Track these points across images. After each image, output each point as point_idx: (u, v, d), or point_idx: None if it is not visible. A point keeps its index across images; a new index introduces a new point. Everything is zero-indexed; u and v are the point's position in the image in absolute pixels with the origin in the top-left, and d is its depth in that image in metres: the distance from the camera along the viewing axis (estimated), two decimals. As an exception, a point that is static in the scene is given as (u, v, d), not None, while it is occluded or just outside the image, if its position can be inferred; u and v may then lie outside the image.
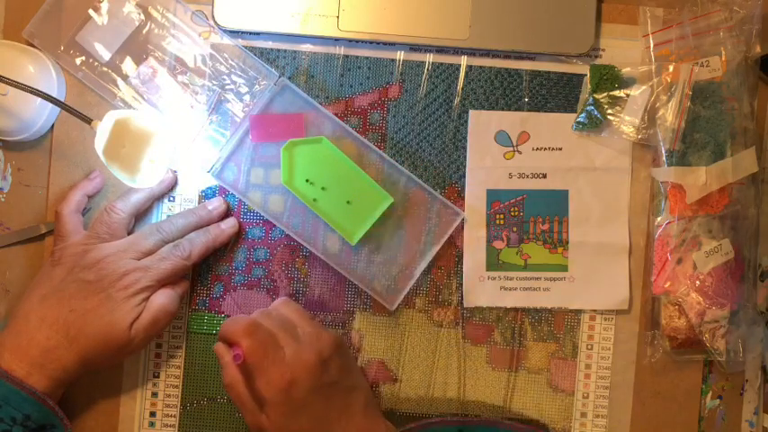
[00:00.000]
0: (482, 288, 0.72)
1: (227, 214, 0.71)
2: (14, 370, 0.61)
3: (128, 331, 0.64)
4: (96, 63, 0.70)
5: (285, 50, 0.72)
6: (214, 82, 0.71)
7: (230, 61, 0.71)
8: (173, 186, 0.71)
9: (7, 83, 0.63)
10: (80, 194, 0.69)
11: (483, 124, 0.72)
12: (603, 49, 0.73)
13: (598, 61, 0.73)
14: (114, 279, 0.64)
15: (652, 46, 0.71)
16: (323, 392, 0.62)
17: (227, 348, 0.63)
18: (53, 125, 0.71)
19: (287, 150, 0.70)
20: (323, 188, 0.70)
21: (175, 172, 0.71)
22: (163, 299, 0.66)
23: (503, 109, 0.73)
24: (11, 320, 0.64)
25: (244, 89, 0.71)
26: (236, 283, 0.72)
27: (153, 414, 0.72)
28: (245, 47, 0.71)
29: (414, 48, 0.72)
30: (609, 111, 0.71)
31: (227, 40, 0.71)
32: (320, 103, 0.71)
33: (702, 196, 0.69)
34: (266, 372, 0.61)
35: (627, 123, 0.71)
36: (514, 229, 0.73)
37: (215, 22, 0.70)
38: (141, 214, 0.70)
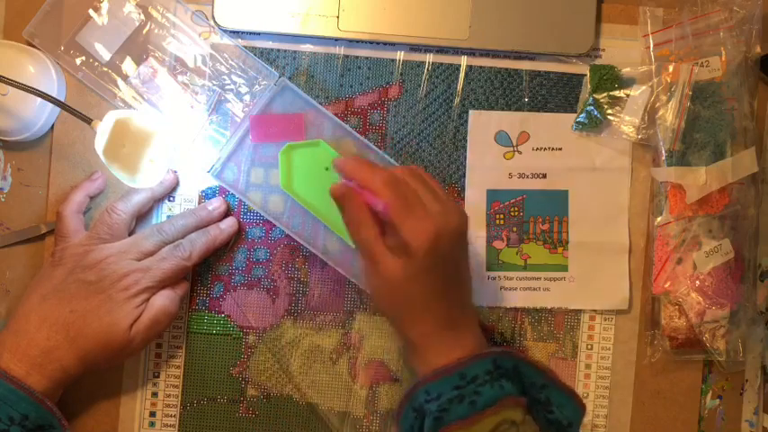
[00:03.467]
0: (482, 288, 0.72)
1: (227, 214, 0.71)
2: (13, 370, 0.61)
3: (128, 332, 0.64)
4: (96, 63, 0.70)
5: (285, 50, 0.72)
6: (214, 82, 0.71)
7: (230, 61, 0.71)
8: (174, 187, 0.71)
9: (7, 83, 0.63)
10: (82, 195, 0.69)
11: (483, 124, 0.72)
12: (603, 49, 0.73)
13: (598, 61, 0.73)
14: (115, 280, 0.64)
15: (652, 46, 0.71)
16: (454, 263, 0.61)
17: (353, 189, 0.61)
18: (53, 125, 0.71)
19: (285, 154, 0.70)
20: (322, 191, 0.70)
21: (176, 172, 0.71)
22: (163, 300, 0.66)
23: (503, 109, 0.73)
24: (11, 320, 0.64)
25: (244, 89, 0.71)
26: (236, 283, 0.72)
27: (153, 414, 0.72)
28: (245, 47, 0.71)
29: (414, 48, 0.72)
30: (609, 111, 0.71)
31: (227, 40, 0.71)
32: (320, 104, 0.71)
33: (702, 196, 0.69)
34: (412, 220, 0.58)
35: (627, 123, 0.71)
36: (514, 229, 0.73)
37: (215, 22, 0.70)
38: (142, 215, 0.70)
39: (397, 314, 0.63)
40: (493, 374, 0.59)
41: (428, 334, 0.61)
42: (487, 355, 0.60)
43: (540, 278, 0.72)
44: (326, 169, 0.71)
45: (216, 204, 0.70)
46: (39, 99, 0.65)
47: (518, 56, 0.72)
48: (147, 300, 0.66)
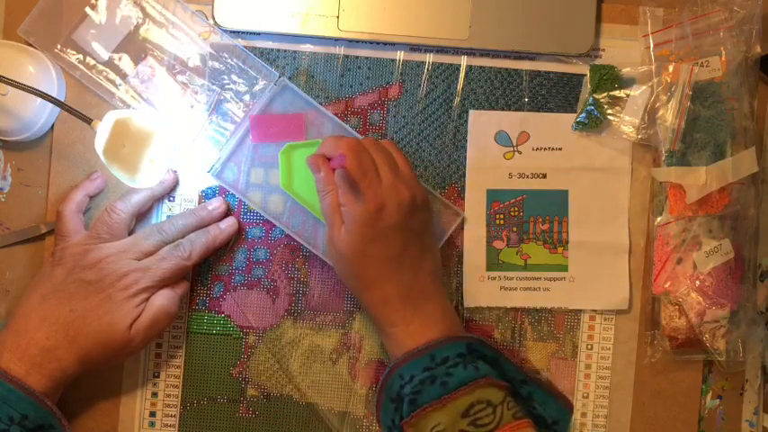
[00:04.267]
0: (482, 288, 0.72)
1: (226, 214, 0.71)
2: (13, 369, 0.61)
3: (127, 332, 0.64)
4: (93, 62, 0.70)
5: (285, 50, 0.72)
6: (214, 82, 0.71)
7: (230, 61, 0.71)
8: (174, 187, 0.71)
9: (7, 83, 0.63)
10: (81, 194, 0.68)
11: (483, 124, 0.72)
12: (603, 49, 0.73)
13: (598, 61, 0.73)
14: (114, 279, 0.64)
15: (652, 46, 0.71)
16: (403, 234, 0.63)
17: (326, 159, 0.65)
18: (53, 125, 0.70)
19: (285, 154, 0.70)
20: None
21: (176, 172, 0.71)
22: (163, 300, 0.66)
23: (503, 109, 0.73)
24: (11, 320, 0.64)
25: (243, 89, 0.71)
26: (236, 283, 0.72)
27: (153, 414, 0.72)
28: (245, 47, 0.71)
29: (414, 48, 0.72)
30: (609, 111, 0.71)
31: (226, 40, 0.71)
32: (320, 104, 0.71)
33: (702, 196, 0.69)
34: (362, 190, 0.62)
35: (627, 123, 0.71)
36: (514, 229, 0.73)
37: (215, 22, 0.70)
38: (142, 214, 0.70)
39: (353, 282, 0.65)
40: (466, 357, 0.60)
41: (386, 303, 0.63)
42: (461, 339, 0.62)
43: (540, 278, 0.72)
44: None
45: (216, 204, 0.70)
46: (39, 99, 0.65)
47: (518, 56, 0.72)
48: (147, 299, 0.66)
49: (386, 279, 0.63)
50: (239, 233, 0.71)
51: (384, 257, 0.63)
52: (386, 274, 0.63)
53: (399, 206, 0.62)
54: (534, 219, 0.73)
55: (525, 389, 0.62)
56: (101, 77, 0.70)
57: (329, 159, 0.65)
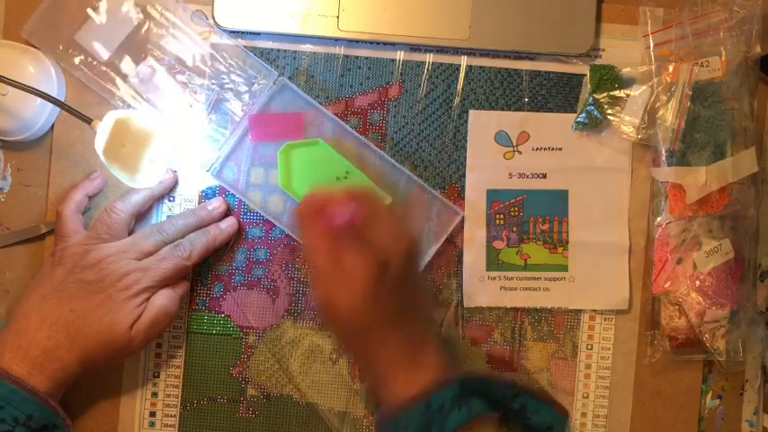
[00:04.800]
0: (482, 288, 0.72)
1: (226, 214, 0.71)
2: (15, 370, 0.61)
3: (128, 332, 0.64)
4: (95, 62, 0.70)
5: (285, 50, 0.72)
6: (213, 81, 0.71)
7: (229, 60, 0.71)
8: (173, 187, 0.71)
9: (7, 83, 0.63)
10: (81, 194, 0.69)
11: (483, 124, 0.72)
12: (603, 49, 0.73)
13: (598, 61, 0.73)
14: (115, 279, 0.64)
15: (652, 46, 0.71)
16: (405, 288, 0.59)
17: (314, 213, 0.59)
18: (53, 125, 0.70)
19: (284, 154, 0.70)
20: None
21: (175, 172, 0.71)
22: (163, 300, 0.66)
23: (503, 109, 0.73)
24: (11, 320, 0.64)
25: (243, 88, 0.71)
26: (236, 283, 0.72)
27: (153, 414, 0.72)
28: (245, 47, 0.71)
29: (414, 48, 0.72)
30: (609, 111, 0.71)
31: (226, 40, 0.71)
32: (320, 104, 0.71)
33: (702, 196, 0.69)
34: (366, 252, 0.57)
35: (627, 123, 0.71)
36: (514, 229, 0.73)
37: (215, 22, 0.70)
38: (142, 214, 0.70)
39: (353, 344, 0.61)
40: (460, 398, 0.58)
41: (389, 363, 0.59)
42: (453, 381, 0.59)
43: (540, 278, 0.72)
44: (337, 179, 0.70)
45: (216, 204, 0.70)
46: (39, 99, 0.65)
47: (518, 56, 0.72)
48: (148, 299, 0.66)
49: (387, 336, 0.59)
50: (239, 233, 0.71)
51: (388, 316, 0.59)
52: (387, 331, 0.59)
53: (400, 262, 0.58)
54: (534, 219, 0.73)
55: (517, 402, 0.61)
56: (102, 78, 0.70)
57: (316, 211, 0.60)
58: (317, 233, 0.59)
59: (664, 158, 0.70)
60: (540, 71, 0.73)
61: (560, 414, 0.63)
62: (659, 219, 0.71)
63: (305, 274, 0.72)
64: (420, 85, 0.72)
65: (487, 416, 0.59)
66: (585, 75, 0.72)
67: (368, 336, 0.59)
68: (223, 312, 0.72)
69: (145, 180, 0.66)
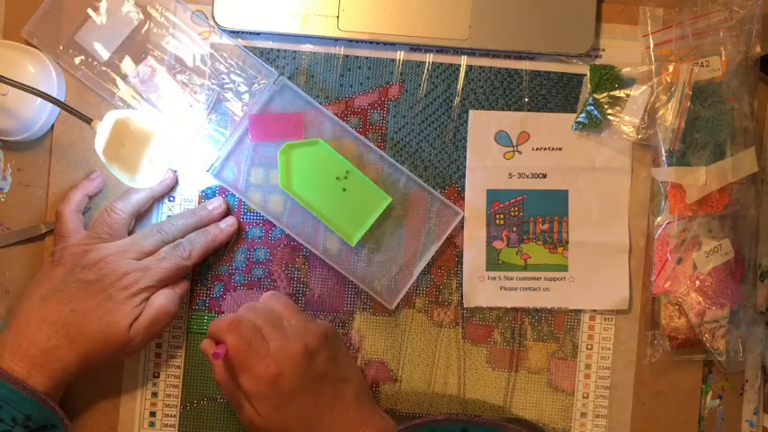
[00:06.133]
0: (482, 288, 0.72)
1: (226, 214, 0.71)
2: (15, 370, 0.61)
3: (127, 331, 0.64)
4: (95, 62, 0.70)
5: (285, 50, 0.72)
6: (213, 81, 0.71)
7: (229, 60, 0.71)
8: (173, 187, 0.71)
9: (7, 83, 0.63)
10: (81, 194, 0.69)
11: (483, 124, 0.72)
12: (603, 49, 0.73)
13: (598, 61, 0.73)
14: (114, 279, 0.64)
15: (652, 46, 0.71)
16: (311, 384, 0.63)
17: (212, 344, 0.64)
18: (53, 125, 0.70)
19: (284, 154, 0.70)
20: (321, 190, 0.70)
21: (175, 172, 0.71)
22: (163, 299, 0.66)
23: (503, 109, 0.73)
24: (11, 320, 0.64)
25: (243, 88, 0.71)
26: (236, 283, 0.72)
27: (153, 414, 0.72)
28: (245, 47, 0.71)
29: (414, 48, 0.72)
30: (609, 111, 0.71)
31: (226, 40, 0.71)
32: (320, 103, 0.71)
33: (702, 196, 0.69)
34: (252, 366, 0.61)
35: (627, 123, 0.71)
36: (514, 229, 0.73)
37: (215, 22, 0.70)
38: (142, 214, 0.70)
39: None
40: None
41: None
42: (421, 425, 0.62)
43: (540, 278, 0.72)
44: (337, 179, 0.70)
45: (216, 204, 0.70)
46: (39, 99, 0.65)
47: (518, 56, 0.72)
48: (147, 299, 0.66)
49: (315, 430, 0.63)
50: (239, 233, 0.71)
51: (303, 417, 0.62)
52: (313, 426, 0.63)
53: (295, 363, 0.62)
54: (534, 219, 0.73)
55: None
56: (102, 78, 0.70)
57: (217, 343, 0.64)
58: (218, 370, 0.63)
59: (664, 158, 0.70)
60: (540, 71, 0.73)
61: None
62: (659, 219, 0.71)
63: (305, 274, 0.72)
64: (420, 85, 0.72)
65: None
66: (585, 75, 0.72)
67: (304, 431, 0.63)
68: (223, 312, 0.72)
69: (145, 180, 0.66)
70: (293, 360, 0.62)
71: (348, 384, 0.66)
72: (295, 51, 0.72)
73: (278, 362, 0.61)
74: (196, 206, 0.71)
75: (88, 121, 0.65)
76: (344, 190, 0.71)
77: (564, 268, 0.72)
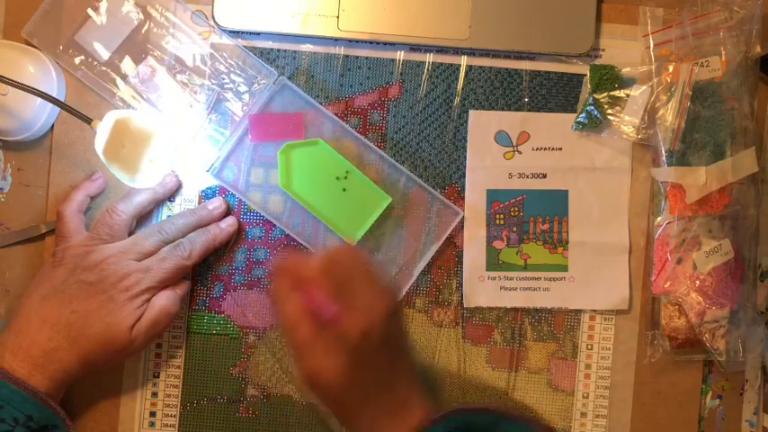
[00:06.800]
0: (482, 288, 0.72)
1: (226, 214, 0.71)
2: (16, 370, 0.61)
3: (129, 333, 0.64)
4: (95, 62, 0.70)
5: (285, 50, 0.72)
6: (213, 81, 0.71)
7: (229, 60, 0.71)
8: (176, 190, 0.71)
9: (7, 83, 0.63)
10: (82, 195, 0.68)
11: (483, 124, 0.72)
12: (603, 49, 0.73)
13: (598, 61, 0.73)
14: (115, 281, 0.64)
15: (652, 46, 0.71)
16: (388, 349, 0.58)
17: (287, 284, 0.58)
18: (53, 125, 0.70)
19: (284, 154, 0.70)
20: (321, 190, 0.70)
21: (177, 176, 0.71)
22: (164, 300, 0.66)
23: (503, 109, 0.73)
24: (12, 321, 0.64)
25: (243, 88, 0.71)
26: (236, 283, 0.72)
27: (153, 414, 0.72)
28: (245, 47, 0.71)
29: (414, 48, 0.72)
30: (609, 111, 0.71)
31: (226, 40, 0.71)
32: (320, 104, 0.71)
33: (702, 196, 0.69)
34: (347, 318, 0.56)
35: (627, 123, 0.71)
36: (514, 229, 0.73)
37: (215, 22, 0.70)
38: (143, 216, 0.70)
39: (339, 412, 0.60)
40: None
41: (375, 424, 0.59)
42: (437, 422, 0.59)
43: (540, 278, 0.72)
44: (337, 179, 0.70)
45: (216, 204, 0.70)
46: (39, 99, 0.65)
47: (518, 56, 0.72)
48: (149, 300, 0.66)
49: (372, 399, 0.58)
50: (239, 233, 0.71)
51: (372, 379, 0.58)
52: (372, 394, 0.58)
53: (381, 324, 0.56)
54: (534, 219, 0.73)
55: (498, 430, 0.61)
56: (102, 78, 0.70)
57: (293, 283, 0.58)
58: (297, 310, 0.57)
59: (664, 158, 0.70)
60: (540, 71, 0.73)
61: (536, 429, 0.62)
62: (659, 219, 0.71)
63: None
64: (420, 85, 0.72)
65: None
66: (585, 75, 0.72)
67: (355, 402, 0.58)
68: (223, 312, 0.72)
69: (145, 180, 0.66)
70: (381, 320, 0.56)
71: (406, 354, 0.62)
72: (295, 51, 0.72)
73: (369, 315, 0.56)
74: (196, 206, 0.71)
75: (88, 121, 0.65)
76: (344, 190, 0.71)
77: (564, 268, 0.72)
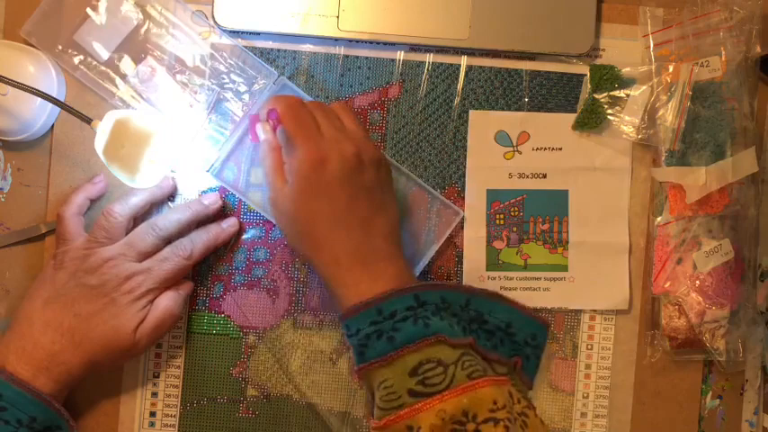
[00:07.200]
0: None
1: (223, 211, 0.71)
2: (20, 373, 0.61)
3: (132, 335, 0.64)
4: (95, 62, 0.70)
5: (285, 50, 0.72)
6: (213, 81, 0.71)
7: (229, 60, 0.71)
8: (172, 192, 0.71)
9: (7, 83, 0.63)
10: (82, 197, 0.68)
11: (483, 124, 0.72)
12: (603, 49, 0.73)
13: (598, 61, 0.73)
14: (117, 283, 0.64)
15: (652, 46, 0.71)
16: (349, 191, 0.61)
17: (267, 124, 0.64)
18: (53, 125, 0.70)
19: None
20: None
21: (173, 179, 0.70)
22: (167, 301, 0.66)
23: (503, 109, 0.73)
24: (14, 323, 0.64)
25: (243, 88, 0.71)
26: (236, 283, 0.72)
27: (153, 414, 0.72)
28: (245, 47, 0.71)
29: (414, 48, 0.72)
30: (609, 111, 0.71)
31: (226, 40, 0.71)
32: (320, 103, 0.71)
33: (702, 196, 0.69)
34: (300, 145, 0.60)
35: (627, 123, 0.71)
36: (514, 229, 0.73)
37: (215, 22, 0.70)
38: (140, 218, 0.70)
39: (301, 244, 0.63)
40: (416, 310, 0.58)
41: (336, 263, 0.60)
42: (408, 291, 0.59)
43: (540, 278, 0.72)
44: None
45: (212, 200, 0.70)
46: (39, 99, 0.65)
47: (518, 56, 0.72)
48: (151, 301, 0.66)
49: (334, 238, 0.61)
50: (239, 233, 0.71)
51: (329, 214, 0.60)
52: (334, 233, 0.61)
53: (342, 160, 0.60)
54: (534, 219, 0.73)
55: (471, 308, 0.61)
56: (101, 77, 0.70)
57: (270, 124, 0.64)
58: (264, 140, 0.64)
59: (664, 158, 0.70)
60: (540, 71, 0.73)
61: (509, 306, 0.62)
62: (659, 219, 0.71)
63: (305, 274, 0.72)
64: (420, 85, 0.72)
65: (449, 338, 0.57)
66: (585, 75, 0.72)
67: (313, 236, 0.61)
68: (223, 312, 0.72)
69: (145, 180, 0.66)
70: (342, 157, 0.60)
71: (384, 215, 0.63)
72: (295, 51, 0.72)
73: (327, 151, 0.60)
74: (191, 200, 0.70)
75: (88, 121, 0.65)
76: (344, 190, 0.71)
77: (564, 268, 0.72)
